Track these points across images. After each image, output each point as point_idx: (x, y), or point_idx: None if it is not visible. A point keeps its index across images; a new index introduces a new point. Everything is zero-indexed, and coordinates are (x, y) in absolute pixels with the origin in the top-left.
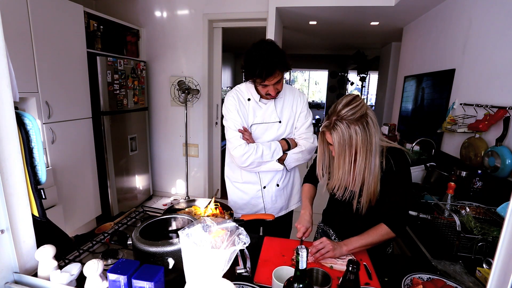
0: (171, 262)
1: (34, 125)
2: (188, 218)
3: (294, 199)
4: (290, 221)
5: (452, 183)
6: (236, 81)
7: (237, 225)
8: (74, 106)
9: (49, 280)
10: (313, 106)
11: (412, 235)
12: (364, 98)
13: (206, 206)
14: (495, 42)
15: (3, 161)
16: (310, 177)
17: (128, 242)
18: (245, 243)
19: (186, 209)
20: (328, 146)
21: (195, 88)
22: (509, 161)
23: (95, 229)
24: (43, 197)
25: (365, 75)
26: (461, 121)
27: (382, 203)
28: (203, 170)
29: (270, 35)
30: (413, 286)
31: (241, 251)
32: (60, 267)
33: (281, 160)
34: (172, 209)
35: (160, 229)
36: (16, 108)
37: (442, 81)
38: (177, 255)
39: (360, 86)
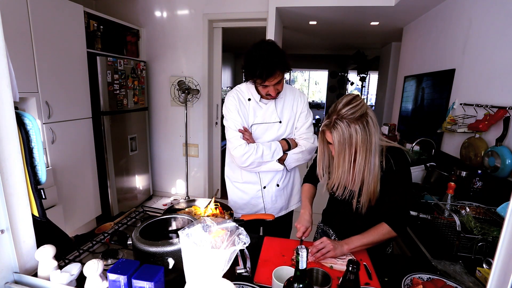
0: (171, 262)
1: (34, 125)
2: (188, 218)
3: (294, 199)
4: (290, 221)
5: (452, 183)
6: (236, 81)
7: (237, 225)
8: (74, 106)
9: (49, 280)
10: (313, 106)
11: (412, 235)
12: (364, 98)
13: (206, 206)
14: (495, 42)
15: (3, 161)
16: (310, 177)
17: (128, 242)
18: (245, 243)
19: (186, 209)
20: (328, 146)
21: (195, 88)
22: (509, 161)
23: (95, 229)
24: (43, 197)
25: (365, 75)
26: (461, 121)
27: (382, 202)
28: (203, 170)
29: (270, 35)
30: (413, 286)
31: (241, 251)
32: (60, 267)
33: (281, 160)
34: (172, 209)
35: (160, 229)
36: (16, 108)
37: (442, 81)
38: (177, 255)
39: (360, 86)
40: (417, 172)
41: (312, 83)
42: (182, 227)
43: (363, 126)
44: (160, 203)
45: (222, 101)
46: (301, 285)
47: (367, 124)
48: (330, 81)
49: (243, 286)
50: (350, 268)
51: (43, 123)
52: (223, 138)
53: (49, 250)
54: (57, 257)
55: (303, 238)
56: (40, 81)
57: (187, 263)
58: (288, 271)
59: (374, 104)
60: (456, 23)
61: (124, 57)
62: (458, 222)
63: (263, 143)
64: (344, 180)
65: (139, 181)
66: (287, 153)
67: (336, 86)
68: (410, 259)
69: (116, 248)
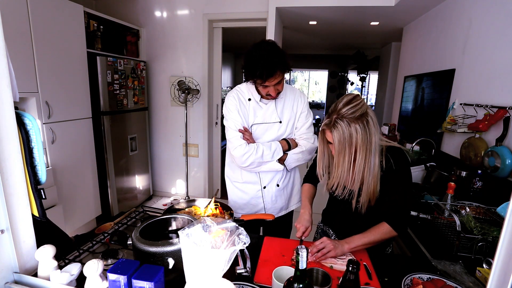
0: (171, 262)
1: (34, 125)
2: (188, 218)
3: (294, 199)
4: (290, 221)
5: (452, 183)
6: (236, 81)
7: (237, 225)
8: (74, 106)
9: (49, 280)
10: (313, 106)
11: (412, 235)
12: (364, 98)
13: (206, 206)
14: (495, 42)
15: (3, 161)
16: (310, 177)
17: (128, 242)
18: (245, 243)
19: (186, 209)
20: (328, 145)
21: (195, 88)
22: (509, 161)
23: (95, 229)
24: (43, 197)
25: (365, 75)
26: (461, 121)
27: (382, 202)
28: (203, 170)
29: (270, 35)
30: (413, 286)
31: (241, 251)
32: (60, 267)
33: (281, 160)
34: (172, 209)
35: (160, 229)
36: (16, 108)
37: (442, 81)
38: (177, 255)
39: (360, 86)
40: (417, 172)
41: (312, 83)
42: (182, 227)
43: (363, 126)
44: (160, 203)
45: (222, 101)
46: (301, 285)
47: (367, 123)
48: (330, 81)
49: (243, 286)
50: (350, 268)
51: (43, 123)
52: (223, 138)
53: (49, 250)
54: (57, 257)
55: (303, 238)
56: (40, 81)
57: (187, 263)
58: (288, 271)
59: (374, 104)
60: (456, 23)
61: (124, 57)
62: (458, 222)
63: (263, 143)
64: (344, 179)
65: (139, 181)
66: (287, 153)
67: (336, 86)
68: (410, 259)
69: (116, 248)
